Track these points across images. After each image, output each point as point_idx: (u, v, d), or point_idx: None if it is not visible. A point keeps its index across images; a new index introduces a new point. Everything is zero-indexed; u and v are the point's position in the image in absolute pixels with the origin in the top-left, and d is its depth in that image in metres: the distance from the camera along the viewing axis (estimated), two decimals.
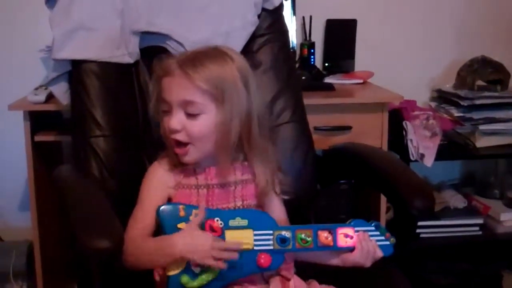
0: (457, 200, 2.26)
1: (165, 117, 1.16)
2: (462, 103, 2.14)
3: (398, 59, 2.35)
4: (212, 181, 1.20)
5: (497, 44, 2.37)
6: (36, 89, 1.85)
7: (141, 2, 1.46)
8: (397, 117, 2.07)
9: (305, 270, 1.21)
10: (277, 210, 1.26)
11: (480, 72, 2.18)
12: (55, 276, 2.02)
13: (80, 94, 1.40)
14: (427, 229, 2.15)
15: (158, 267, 1.14)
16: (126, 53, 1.43)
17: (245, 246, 1.12)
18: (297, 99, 1.54)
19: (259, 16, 1.54)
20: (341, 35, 2.27)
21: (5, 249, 2.11)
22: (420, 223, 2.13)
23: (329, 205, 2.07)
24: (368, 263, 1.18)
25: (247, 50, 1.50)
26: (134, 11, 1.45)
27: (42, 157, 1.88)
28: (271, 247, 1.14)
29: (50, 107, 1.77)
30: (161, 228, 1.13)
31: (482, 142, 2.13)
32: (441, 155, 2.05)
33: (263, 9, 1.55)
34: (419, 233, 2.14)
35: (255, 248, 1.13)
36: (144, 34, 1.45)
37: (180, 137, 1.15)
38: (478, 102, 2.13)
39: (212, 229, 1.11)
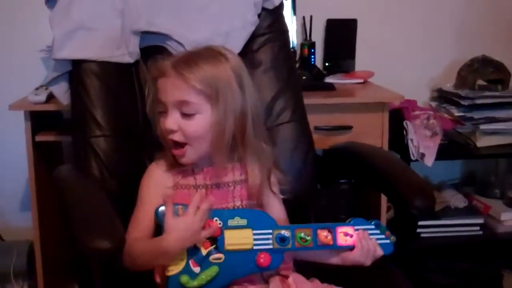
0: (457, 200, 2.26)
1: (161, 118, 1.17)
2: (462, 102, 2.14)
3: (399, 59, 2.35)
4: (210, 181, 1.20)
5: (497, 44, 2.37)
6: (37, 89, 1.85)
7: (141, 2, 1.46)
8: (397, 116, 2.07)
9: (305, 269, 1.21)
10: (277, 209, 1.26)
11: (481, 71, 2.18)
12: (55, 276, 2.02)
13: (80, 94, 1.40)
14: (428, 228, 2.15)
15: (156, 266, 1.14)
16: (126, 52, 1.44)
17: (244, 246, 1.13)
18: (297, 98, 1.54)
19: (259, 16, 1.54)
20: (342, 35, 2.27)
21: (5, 249, 2.11)
22: (420, 223, 2.13)
23: (329, 205, 2.07)
24: (368, 262, 1.17)
25: (247, 50, 1.50)
26: (134, 11, 1.45)
27: (43, 157, 1.88)
28: (271, 247, 1.14)
29: (50, 107, 1.78)
30: (160, 228, 1.12)
31: (482, 142, 2.13)
32: (441, 154, 2.05)
33: (263, 9, 1.55)
34: (420, 232, 2.14)
35: (255, 247, 1.13)
36: (144, 34, 1.45)
37: (176, 137, 1.16)
38: (478, 101, 2.13)
39: None
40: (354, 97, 1.98)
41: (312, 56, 2.18)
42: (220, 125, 1.14)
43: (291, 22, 2.14)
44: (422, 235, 2.15)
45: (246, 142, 1.19)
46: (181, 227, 1.07)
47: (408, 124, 2.06)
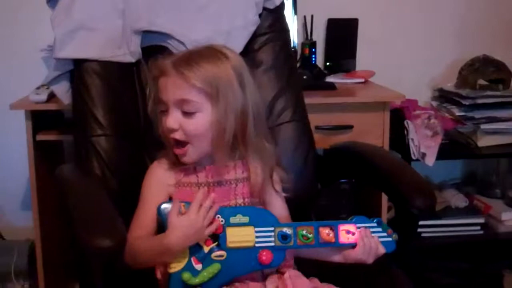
0: (458, 200, 2.26)
1: (163, 117, 1.17)
2: (463, 102, 2.14)
3: (400, 58, 2.35)
4: (212, 179, 1.20)
5: (498, 43, 2.37)
6: (38, 88, 1.85)
7: (142, 2, 1.46)
8: (398, 116, 2.07)
9: (306, 268, 1.21)
10: (279, 207, 1.26)
11: (482, 71, 2.18)
12: (56, 275, 2.02)
13: (81, 93, 1.40)
14: (428, 228, 2.15)
15: (158, 264, 1.14)
16: (128, 52, 1.44)
17: (246, 243, 1.13)
18: (298, 98, 1.54)
19: (260, 16, 1.54)
20: (343, 34, 2.27)
21: (6, 248, 2.11)
22: (421, 223, 2.13)
23: (330, 205, 2.07)
24: (370, 260, 1.17)
25: (248, 49, 1.50)
26: (135, 11, 1.45)
27: (44, 157, 1.88)
28: (273, 244, 1.14)
29: (51, 106, 1.78)
30: (162, 226, 1.13)
31: (483, 142, 2.13)
32: (442, 154, 2.05)
33: (264, 8, 1.55)
34: (420, 232, 2.14)
35: (257, 245, 1.13)
36: (146, 33, 1.46)
37: (177, 135, 1.16)
38: (479, 101, 2.13)
39: None
40: (355, 97, 1.98)
41: (313, 56, 2.18)
42: (221, 123, 1.14)
43: (292, 22, 2.14)
44: (423, 234, 2.15)
45: (247, 141, 1.19)
46: (184, 225, 1.08)
47: (409, 124, 2.06)
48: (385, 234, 1.19)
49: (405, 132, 2.06)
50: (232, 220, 1.14)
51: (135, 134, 1.42)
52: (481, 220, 2.20)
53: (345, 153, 1.58)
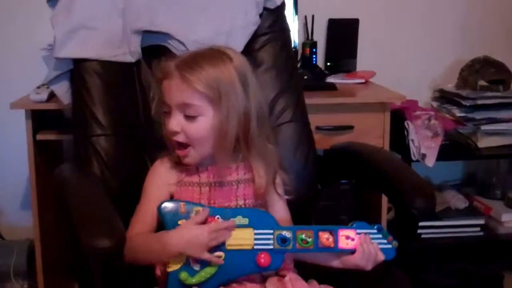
0: (458, 201, 2.25)
1: (166, 119, 1.18)
2: (464, 103, 2.14)
3: (400, 59, 2.35)
4: (214, 180, 1.20)
5: (499, 44, 2.37)
6: (38, 88, 1.84)
7: (142, 1, 1.46)
8: (398, 117, 2.07)
9: (305, 270, 1.21)
10: (281, 210, 1.26)
11: (482, 72, 2.18)
12: (56, 275, 2.02)
13: (81, 93, 1.40)
14: (428, 229, 2.15)
15: (155, 263, 1.15)
16: (128, 52, 1.44)
17: (245, 246, 1.13)
18: (298, 98, 1.54)
19: (261, 15, 1.54)
20: (343, 34, 2.27)
21: (6, 247, 2.11)
22: (421, 224, 2.13)
23: (330, 205, 2.07)
24: (369, 266, 1.17)
25: (249, 49, 1.50)
26: (135, 10, 1.45)
27: (44, 156, 1.88)
28: (271, 247, 1.13)
29: (52, 106, 1.77)
30: (162, 224, 1.13)
31: (484, 143, 2.12)
32: (442, 155, 2.04)
33: (265, 8, 1.55)
34: (420, 233, 2.14)
35: (255, 247, 1.13)
36: (146, 33, 1.45)
37: (179, 138, 1.17)
38: (480, 102, 2.13)
39: None
40: (355, 97, 1.98)
41: (314, 56, 2.18)
42: (223, 127, 1.14)
43: (293, 22, 2.14)
44: (423, 236, 2.15)
45: (250, 143, 1.19)
46: (192, 233, 1.09)
47: (409, 125, 2.06)
48: (385, 241, 1.18)
49: (405, 132, 2.06)
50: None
51: (135, 134, 1.42)
52: (481, 221, 2.20)
53: (345, 153, 1.57)
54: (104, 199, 1.19)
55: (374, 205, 2.00)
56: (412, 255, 2.11)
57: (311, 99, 1.65)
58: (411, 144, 2.05)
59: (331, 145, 1.63)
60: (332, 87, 2.02)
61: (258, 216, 1.15)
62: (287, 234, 1.15)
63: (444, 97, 2.29)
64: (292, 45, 1.77)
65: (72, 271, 2.10)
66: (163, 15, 1.46)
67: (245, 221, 1.14)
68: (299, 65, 2.14)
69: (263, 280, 1.17)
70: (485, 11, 2.38)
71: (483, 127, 2.11)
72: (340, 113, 1.92)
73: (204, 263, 1.10)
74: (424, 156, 2.03)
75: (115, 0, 1.44)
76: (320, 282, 1.17)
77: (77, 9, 1.42)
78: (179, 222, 1.12)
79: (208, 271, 1.10)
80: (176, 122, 1.15)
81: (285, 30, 1.59)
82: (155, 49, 1.44)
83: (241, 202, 1.21)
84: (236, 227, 1.13)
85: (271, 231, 1.14)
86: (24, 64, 2.15)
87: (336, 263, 1.19)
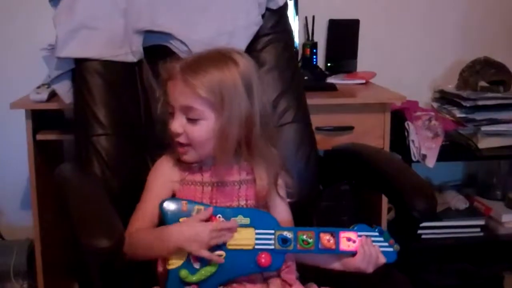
0: (458, 201, 2.25)
1: (170, 119, 1.19)
2: (464, 104, 2.14)
3: (401, 60, 2.35)
4: (217, 179, 1.21)
5: (499, 45, 2.37)
6: (38, 87, 1.84)
7: (144, 1, 1.46)
8: (399, 117, 2.07)
9: (305, 273, 1.21)
10: (282, 212, 1.26)
11: (483, 73, 2.18)
12: (55, 275, 2.02)
13: (83, 93, 1.40)
14: (429, 230, 2.14)
15: (155, 258, 1.15)
16: (130, 52, 1.43)
17: (246, 245, 1.13)
18: (300, 99, 1.54)
19: (263, 16, 1.54)
20: (344, 35, 2.27)
21: (6, 247, 2.11)
22: (421, 224, 2.12)
23: (331, 206, 2.07)
24: (370, 269, 1.16)
25: (251, 50, 1.49)
26: (137, 10, 1.45)
27: (44, 156, 1.88)
28: (272, 247, 1.14)
29: (52, 106, 1.77)
30: (163, 222, 1.14)
31: (484, 143, 2.12)
32: (443, 156, 2.04)
33: (267, 9, 1.55)
34: (421, 234, 2.14)
35: (256, 247, 1.13)
36: (147, 33, 1.45)
37: (181, 139, 1.18)
38: (480, 103, 2.13)
39: None
40: (355, 98, 1.98)
41: (314, 57, 2.18)
42: (224, 131, 1.15)
43: (294, 22, 2.13)
44: (423, 236, 2.14)
45: (252, 147, 1.19)
46: (194, 229, 1.09)
47: (410, 125, 2.06)
48: (386, 244, 1.19)
49: (406, 133, 2.06)
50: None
51: (136, 134, 1.42)
52: (482, 222, 2.20)
53: (345, 154, 1.57)
54: (104, 199, 1.19)
55: (374, 205, 2.00)
56: (413, 255, 2.10)
57: (311, 100, 1.64)
58: (411, 144, 2.05)
59: (332, 146, 1.63)
60: (333, 87, 2.02)
61: (260, 216, 1.16)
62: (288, 234, 1.15)
63: (444, 97, 2.29)
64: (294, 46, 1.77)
65: (72, 271, 2.10)
66: (164, 15, 1.46)
67: (247, 221, 1.14)
68: (299, 65, 2.14)
69: (264, 281, 1.17)
70: (486, 12, 2.38)
71: (484, 128, 2.11)
72: (340, 114, 1.92)
73: (205, 262, 1.11)
74: (424, 156, 2.02)
75: (117, 0, 1.44)
76: (320, 285, 1.17)
77: (79, 9, 1.42)
78: (181, 220, 1.12)
79: (209, 270, 1.10)
80: (178, 124, 1.16)
81: (287, 30, 1.59)
82: (157, 49, 1.44)
83: (242, 203, 1.21)
84: (238, 226, 1.13)
85: (272, 231, 1.14)
86: (24, 64, 2.15)
87: (336, 265, 1.19)
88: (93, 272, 1.11)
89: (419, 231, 2.13)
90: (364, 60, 2.25)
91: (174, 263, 1.10)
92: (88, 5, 1.43)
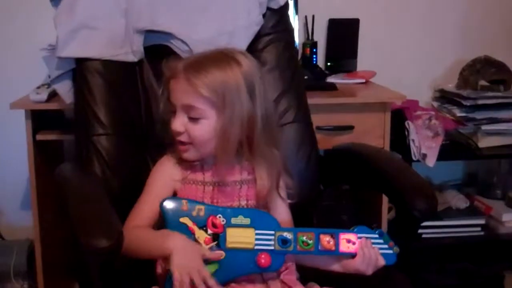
0: (459, 201, 2.25)
1: (172, 118, 1.19)
2: (464, 103, 2.14)
3: (401, 59, 2.35)
4: (218, 179, 1.21)
5: (500, 44, 2.37)
6: (38, 87, 1.84)
7: (144, 1, 1.46)
8: (399, 117, 2.07)
9: (305, 273, 1.21)
10: (283, 213, 1.26)
11: (483, 72, 2.18)
12: (56, 275, 2.02)
13: (83, 92, 1.40)
14: (429, 229, 2.15)
15: (150, 258, 1.15)
16: (130, 51, 1.43)
17: (246, 246, 1.13)
18: (301, 99, 1.54)
19: (264, 15, 1.53)
20: (344, 34, 2.27)
21: (6, 247, 2.11)
22: (421, 224, 2.12)
23: (331, 206, 2.07)
24: (369, 271, 1.17)
25: (252, 49, 1.49)
26: (138, 10, 1.45)
27: (43, 156, 1.88)
28: (272, 248, 1.14)
29: (52, 106, 1.77)
30: (164, 221, 1.13)
31: (484, 143, 2.12)
32: (443, 155, 2.04)
33: (268, 8, 1.54)
34: (421, 233, 2.14)
35: (256, 247, 1.13)
36: (148, 33, 1.45)
37: (182, 138, 1.18)
38: (480, 102, 2.13)
39: (214, 226, 1.12)
40: (355, 97, 1.98)
41: (314, 56, 2.18)
42: (225, 131, 1.15)
43: (293, 22, 2.13)
44: (424, 235, 2.14)
45: (254, 147, 1.19)
46: (190, 257, 1.08)
47: (410, 125, 2.06)
48: (386, 246, 1.19)
49: (406, 132, 2.06)
50: (234, 220, 1.14)
51: (136, 133, 1.42)
52: (482, 221, 2.20)
53: (345, 154, 1.57)
54: (103, 198, 1.19)
55: (375, 205, 2.00)
56: (413, 255, 2.11)
57: (311, 99, 1.64)
58: (411, 144, 2.04)
59: (332, 145, 1.63)
60: (333, 87, 2.02)
61: (260, 217, 1.16)
62: (288, 235, 1.15)
63: (444, 97, 2.29)
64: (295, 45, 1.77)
65: (72, 271, 2.10)
66: (164, 15, 1.46)
67: (247, 221, 1.14)
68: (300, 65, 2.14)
69: (263, 282, 1.17)
70: (485, 11, 2.38)
71: (484, 127, 2.11)
72: (340, 113, 1.92)
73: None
74: (424, 156, 2.02)
75: (118, 0, 1.44)
76: (321, 285, 1.17)
77: (79, 9, 1.42)
78: (181, 220, 1.12)
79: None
80: (180, 123, 1.17)
81: (288, 30, 1.59)
82: (158, 48, 1.44)
83: (243, 203, 1.21)
84: (238, 226, 1.13)
85: (272, 232, 1.14)
86: (24, 64, 2.15)
87: (336, 267, 1.19)
88: (93, 272, 1.11)
89: (420, 231, 2.13)
90: (364, 59, 2.25)
91: None
92: (88, 5, 1.43)
